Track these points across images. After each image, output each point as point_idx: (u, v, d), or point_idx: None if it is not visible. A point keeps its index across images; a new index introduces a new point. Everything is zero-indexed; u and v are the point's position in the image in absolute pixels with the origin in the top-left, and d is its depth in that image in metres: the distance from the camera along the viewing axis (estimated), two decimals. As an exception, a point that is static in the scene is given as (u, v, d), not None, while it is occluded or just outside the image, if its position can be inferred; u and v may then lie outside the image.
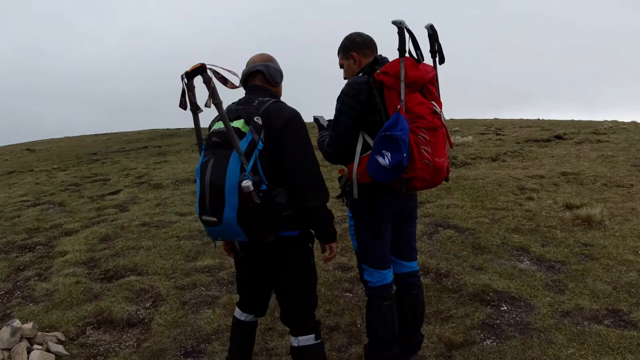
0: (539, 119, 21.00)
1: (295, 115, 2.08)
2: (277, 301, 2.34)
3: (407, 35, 2.16)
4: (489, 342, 2.97)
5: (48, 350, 2.89)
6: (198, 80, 1.97)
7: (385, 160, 2.11)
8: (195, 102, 2.03)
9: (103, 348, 3.10)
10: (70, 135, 30.26)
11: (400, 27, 2.14)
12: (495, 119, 22.20)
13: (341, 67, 2.54)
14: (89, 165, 12.50)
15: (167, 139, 20.14)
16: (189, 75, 1.97)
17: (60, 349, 2.95)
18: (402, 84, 2.14)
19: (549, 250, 4.40)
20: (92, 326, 3.35)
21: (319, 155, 2.33)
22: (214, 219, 1.95)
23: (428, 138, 2.19)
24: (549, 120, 20.33)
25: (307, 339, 2.21)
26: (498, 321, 3.21)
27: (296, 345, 2.23)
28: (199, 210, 2.02)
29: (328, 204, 2.17)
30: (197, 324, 3.34)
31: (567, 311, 3.27)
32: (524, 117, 22.76)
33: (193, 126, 2.11)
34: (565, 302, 3.39)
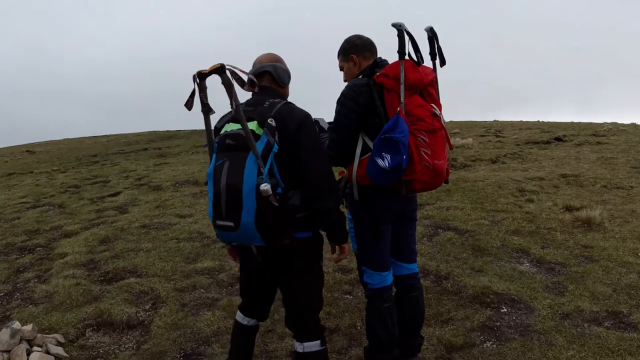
0: (538, 121, 21.04)
1: (307, 117, 2.05)
2: (284, 303, 2.32)
3: (406, 37, 2.17)
4: (489, 345, 2.97)
5: (48, 352, 2.88)
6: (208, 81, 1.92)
7: (384, 162, 2.11)
8: (207, 103, 1.99)
9: (103, 350, 3.09)
10: (70, 137, 30.31)
11: (400, 29, 2.15)
12: (495, 121, 22.23)
13: (341, 69, 2.54)
14: (89, 167, 12.50)
15: (167, 141, 20.15)
16: (202, 76, 1.92)
17: (59, 350, 2.95)
18: (402, 87, 2.15)
19: (548, 252, 4.40)
20: (91, 328, 3.35)
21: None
22: (231, 224, 1.91)
23: (427, 140, 2.19)
24: (548, 122, 20.37)
25: (313, 345, 2.18)
26: (498, 323, 3.21)
27: (301, 351, 2.19)
28: (213, 214, 1.97)
29: None
30: (196, 326, 3.34)
31: (567, 313, 3.27)
32: (524, 119, 22.81)
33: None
34: (565, 304, 3.39)
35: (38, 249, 5.23)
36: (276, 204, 1.85)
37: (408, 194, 2.32)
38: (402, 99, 2.15)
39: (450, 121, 21.50)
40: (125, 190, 8.29)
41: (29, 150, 21.63)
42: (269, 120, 1.93)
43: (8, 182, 10.81)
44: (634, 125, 16.63)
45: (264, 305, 2.41)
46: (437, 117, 2.26)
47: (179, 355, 3.01)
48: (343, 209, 2.30)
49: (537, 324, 3.14)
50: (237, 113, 1.87)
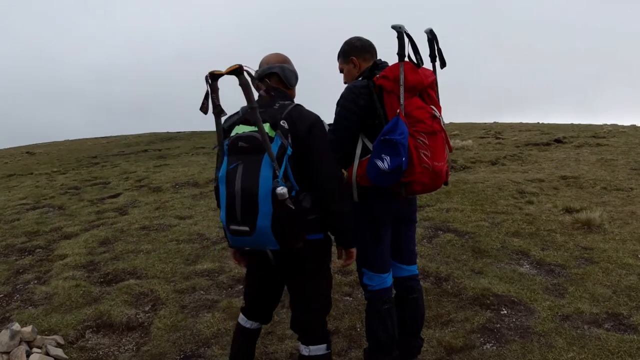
0: (538, 123, 21.05)
1: (317, 119, 2.05)
2: (291, 306, 2.28)
3: (406, 39, 2.17)
4: (489, 346, 2.97)
5: (47, 354, 2.88)
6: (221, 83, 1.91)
7: (384, 164, 2.11)
8: (219, 105, 1.96)
9: (102, 352, 3.09)
10: (70, 138, 30.31)
11: (400, 31, 2.16)
12: (494, 122, 22.25)
13: (341, 71, 2.55)
14: (89, 169, 12.51)
15: (167, 143, 20.16)
16: (215, 77, 1.91)
17: (59, 352, 2.95)
18: (402, 88, 2.15)
19: (548, 254, 4.40)
20: (91, 330, 3.34)
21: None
22: (246, 228, 1.87)
23: (427, 142, 2.19)
24: (548, 124, 20.37)
25: (319, 349, 2.16)
26: (498, 325, 3.21)
27: (307, 354, 2.16)
28: (226, 219, 1.93)
29: None
30: (196, 327, 3.34)
31: (567, 315, 3.27)
32: (524, 121, 22.83)
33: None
34: (565, 306, 3.39)
35: (38, 250, 5.23)
36: (292, 207, 1.82)
37: (408, 195, 2.32)
38: (401, 101, 2.16)
39: (450, 123, 21.51)
40: (125, 192, 8.30)
41: (29, 151, 21.64)
42: (281, 122, 1.91)
43: (8, 184, 10.81)
44: (633, 127, 16.65)
45: (268, 309, 2.38)
46: (436, 119, 2.26)
47: (178, 357, 3.01)
48: None
49: (537, 326, 3.14)
50: (254, 115, 1.84)
